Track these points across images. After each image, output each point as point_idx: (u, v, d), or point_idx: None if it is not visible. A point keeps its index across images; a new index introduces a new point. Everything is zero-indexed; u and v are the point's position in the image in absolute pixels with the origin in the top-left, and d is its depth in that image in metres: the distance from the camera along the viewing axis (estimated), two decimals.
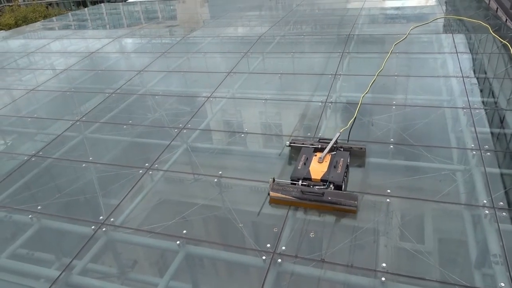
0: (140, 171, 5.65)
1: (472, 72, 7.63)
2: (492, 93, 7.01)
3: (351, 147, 5.40)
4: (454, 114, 6.33)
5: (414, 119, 6.20)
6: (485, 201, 4.51)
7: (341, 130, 5.78)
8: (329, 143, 5.33)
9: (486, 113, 6.26)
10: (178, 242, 4.38)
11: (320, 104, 6.96)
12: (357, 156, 5.37)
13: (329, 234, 4.37)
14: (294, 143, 5.60)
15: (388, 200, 4.68)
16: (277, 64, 9.14)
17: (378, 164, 5.45)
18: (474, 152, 5.33)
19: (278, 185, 4.71)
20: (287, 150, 5.71)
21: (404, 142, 5.66)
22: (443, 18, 11.20)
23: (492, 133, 5.90)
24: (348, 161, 5.11)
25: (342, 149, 5.34)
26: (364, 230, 4.34)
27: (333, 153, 5.19)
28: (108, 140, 6.78)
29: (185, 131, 6.57)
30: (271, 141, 6.42)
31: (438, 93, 7.14)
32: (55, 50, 11.92)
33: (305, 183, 4.74)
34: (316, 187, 4.67)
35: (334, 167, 4.90)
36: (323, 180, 4.71)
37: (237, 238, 4.40)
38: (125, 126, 6.94)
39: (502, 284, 3.62)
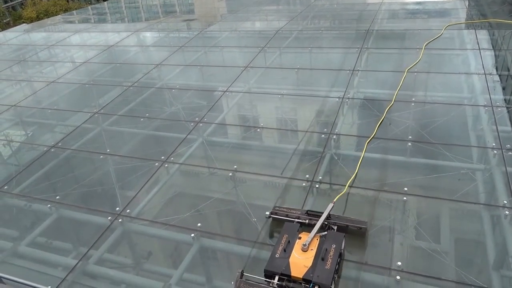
0: (156, 164, 5.70)
1: (494, 69, 7.42)
2: None
3: (347, 225, 4.17)
4: (475, 112, 6.18)
5: (433, 117, 6.08)
6: (505, 202, 4.40)
7: (334, 200, 4.41)
8: (319, 217, 4.17)
9: (508, 111, 6.09)
10: (192, 235, 4.41)
11: (337, 100, 6.88)
12: (355, 234, 4.16)
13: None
14: (276, 213, 4.42)
15: (405, 198, 4.62)
16: (294, 59, 9.07)
17: (396, 161, 5.37)
18: (495, 151, 5.20)
19: (246, 285, 3.63)
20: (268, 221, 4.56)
21: (423, 140, 5.56)
22: (472, 16, 10.91)
23: None
24: (342, 247, 3.91)
25: (335, 228, 4.15)
26: (380, 228, 4.29)
27: (323, 233, 4.01)
28: (125, 132, 6.86)
29: (201, 124, 6.60)
30: (287, 136, 6.39)
31: (459, 90, 6.98)
32: (75, 43, 12.11)
33: (281, 283, 3.64)
34: None
35: (322, 259, 3.72)
36: (306, 280, 3.60)
37: (251, 232, 4.41)
38: (142, 119, 7.01)
39: None
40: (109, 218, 4.81)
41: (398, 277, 3.71)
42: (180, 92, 7.98)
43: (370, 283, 3.80)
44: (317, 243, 3.90)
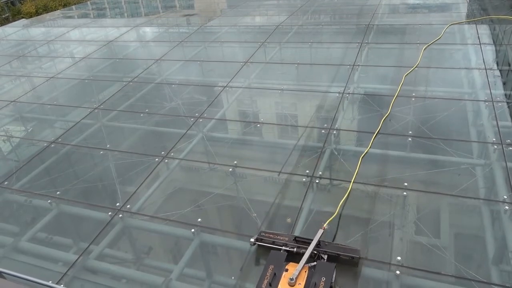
0: (156, 159, 5.70)
1: (495, 64, 7.40)
2: None
3: (338, 254, 3.81)
4: (476, 107, 6.17)
5: (434, 112, 6.07)
6: (505, 197, 4.41)
7: (324, 226, 4.02)
8: (308, 244, 3.84)
9: (509, 106, 6.07)
10: (193, 230, 4.42)
11: (337, 95, 6.87)
12: (347, 264, 3.82)
13: (344, 226, 4.33)
14: (262, 240, 4.05)
15: (404, 193, 4.62)
16: (294, 54, 9.05)
17: (396, 156, 5.37)
18: (495, 146, 5.19)
19: None
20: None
21: (423, 135, 5.55)
22: (479, 15, 10.87)
23: None
24: (333, 280, 3.61)
25: (324, 258, 3.78)
26: (380, 223, 4.30)
27: (312, 264, 3.70)
28: (125, 128, 6.86)
29: (201, 120, 6.59)
30: (287, 131, 6.38)
31: (459, 85, 6.97)
32: (74, 39, 12.07)
33: None
34: None
35: None
36: None
37: (251, 227, 4.42)
38: (142, 115, 7.01)
39: None
40: (110, 213, 4.82)
41: (398, 272, 3.72)
42: (180, 87, 7.96)
43: (370, 278, 3.80)
44: (305, 276, 3.60)
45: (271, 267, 3.71)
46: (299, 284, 3.53)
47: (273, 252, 3.90)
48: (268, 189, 4.99)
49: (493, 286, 3.57)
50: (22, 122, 7.67)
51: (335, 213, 4.36)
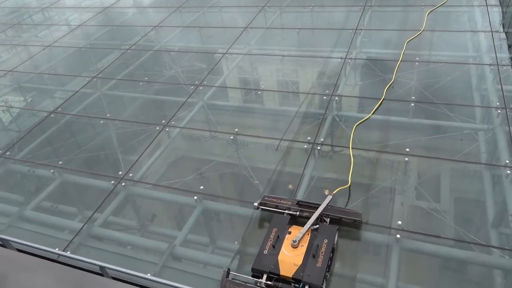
0: (157, 128, 5.68)
1: (501, 27, 7.21)
2: None
3: (340, 217, 3.89)
4: (480, 71, 6.06)
5: (437, 77, 5.97)
6: (507, 161, 4.40)
7: (334, 192, 4.11)
8: (311, 208, 3.92)
9: None
10: (195, 197, 4.47)
11: (339, 60, 6.74)
12: (350, 226, 3.90)
13: (346, 192, 4.35)
14: (265, 204, 4.11)
15: (406, 159, 4.62)
16: (295, 18, 8.81)
17: (398, 122, 5.33)
18: (499, 111, 5.14)
19: (232, 284, 3.40)
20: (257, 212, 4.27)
21: (426, 100, 5.49)
22: None
23: None
24: (335, 241, 3.70)
25: (327, 221, 3.86)
26: (381, 189, 4.33)
27: (315, 227, 3.78)
28: (124, 97, 6.79)
29: (201, 88, 6.51)
30: (288, 98, 6.32)
31: (464, 49, 6.81)
32: (69, 5, 11.74)
33: (269, 283, 3.44)
34: None
35: (314, 256, 3.49)
36: (296, 280, 3.40)
37: (253, 194, 4.45)
38: (141, 83, 6.92)
39: None
40: (112, 182, 4.85)
41: (398, 236, 3.78)
42: (179, 54, 7.82)
43: (371, 241, 3.87)
44: (308, 238, 3.66)
45: (275, 230, 3.78)
46: (301, 246, 3.61)
47: (276, 216, 3.96)
48: (270, 156, 4.99)
49: (491, 248, 3.63)
50: (21, 92, 7.59)
51: (348, 184, 4.38)
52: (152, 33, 8.82)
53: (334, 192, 4.11)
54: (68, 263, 3.81)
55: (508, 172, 4.29)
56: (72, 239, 4.22)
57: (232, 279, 3.47)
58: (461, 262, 3.70)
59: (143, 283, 3.59)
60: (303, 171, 4.61)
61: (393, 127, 5.28)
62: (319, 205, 3.90)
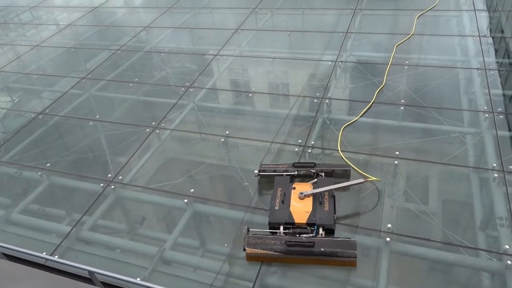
0: (147, 130, 5.64)
1: (488, 32, 7.32)
2: (508, 54, 6.75)
3: (333, 170, 4.42)
4: (468, 75, 6.14)
5: (426, 80, 6.04)
6: (494, 165, 4.47)
7: (367, 179, 4.37)
8: (306, 167, 4.46)
9: (500, 74, 6.06)
10: (185, 200, 4.44)
11: (330, 63, 6.78)
12: (341, 176, 4.42)
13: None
14: (264, 170, 4.53)
15: (396, 162, 4.66)
16: (286, 21, 8.83)
17: (387, 125, 5.38)
18: (486, 115, 5.22)
19: (255, 238, 3.73)
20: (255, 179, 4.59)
21: (415, 103, 5.54)
22: None
23: (504, 95, 5.74)
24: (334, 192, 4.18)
25: (322, 175, 4.37)
26: (371, 192, 4.35)
27: (313, 181, 4.29)
28: (114, 98, 6.73)
29: (191, 89, 6.49)
30: (279, 101, 6.32)
31: (452, 53, 6.90)
32: (58, 5, 11.61)
33: (287, 231, 3.82)
34: (303, 235, 3.74)
35: (320, 203, 3.98)
36: (310, 224, 3.81)
37: (243, 197, 4.45)
38: (131, 84, 6.86)
39: (507, 247, 3.65)
40: (101, 184, 4.80)
41: (388, 239, 3.81)
42: (169, 56, 7.78)
43: (361, 245, 3.88)
44: (311, 189, 4.17)
45: (279, 189, 4.20)
46: (307, 197, 4.08)
47: (277, 178, 4.39)
48: (261, 159, 4.99)
49: (479, 251, 3.68)
50: (7, 93, 7.47)
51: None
52: (142, 33, 8.76)
53: (368, 179, 4.34)
54: (56, 267, 3.75)
55: (495, 175, 4.35)
56: (60, 242, 4.16)
57: (253, 234, 3.78)
58: (450, 264, 3.74)
59: None
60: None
61: (383, 130, 5.32)
62: (313, 164, 4.49)
